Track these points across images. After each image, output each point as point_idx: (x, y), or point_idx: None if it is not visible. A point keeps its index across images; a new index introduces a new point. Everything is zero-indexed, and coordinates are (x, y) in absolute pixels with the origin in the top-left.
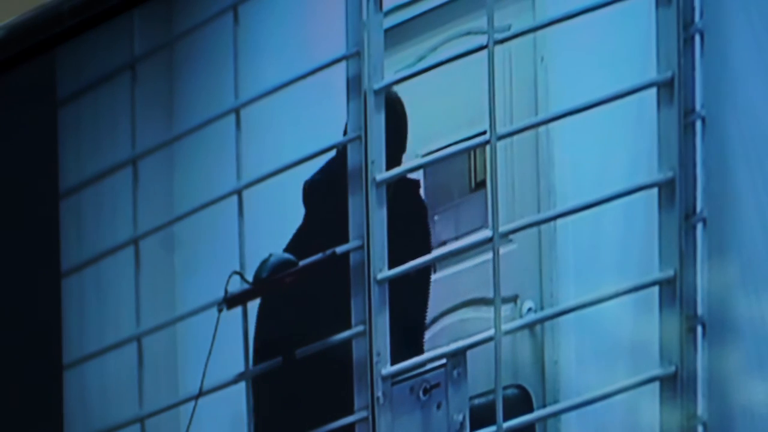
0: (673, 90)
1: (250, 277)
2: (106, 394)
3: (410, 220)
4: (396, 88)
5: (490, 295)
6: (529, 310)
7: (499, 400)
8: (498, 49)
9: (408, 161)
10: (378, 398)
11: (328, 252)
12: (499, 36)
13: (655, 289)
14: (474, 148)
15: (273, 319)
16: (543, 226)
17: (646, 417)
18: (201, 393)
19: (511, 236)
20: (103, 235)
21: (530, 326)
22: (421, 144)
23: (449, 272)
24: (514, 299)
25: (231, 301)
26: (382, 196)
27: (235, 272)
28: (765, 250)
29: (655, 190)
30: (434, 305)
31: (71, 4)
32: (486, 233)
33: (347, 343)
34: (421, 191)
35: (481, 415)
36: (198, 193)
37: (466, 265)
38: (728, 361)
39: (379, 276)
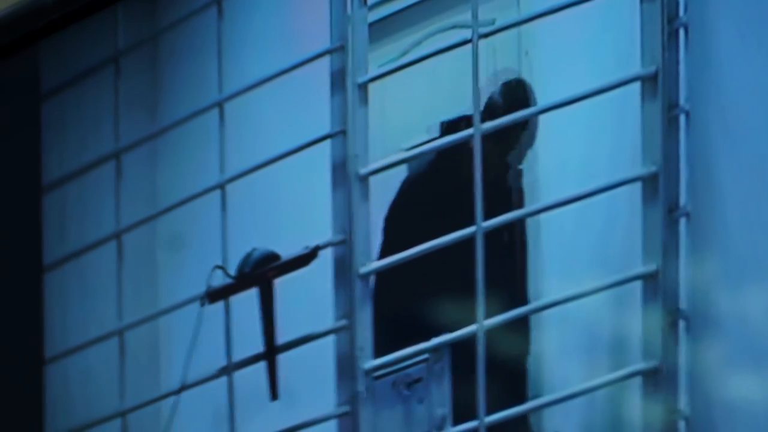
0: (657, 84)
1: (233, 271)
2: (88, 387)
3: None
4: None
5: None
6: None
7: (481, 395)
8: (482, 43)
9: (392, 155)
10: (360, 392)
11: (311, 247)
12: (483, 30)
13: (638, 283)
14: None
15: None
16: (527, 221)
17: (628, 411)
18: (183, 387)
19: None
20: (86, 229)
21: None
22: (406, 138)
23: None
24: None
25: (213, 295)
26: (365, 190)
27: (218, 266)
28: (747, 244)
29: (638, 185)
30: None
31: None
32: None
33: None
34: None
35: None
36: (182, 187)
37: None
38: (710, 356)
39: (362, 270)
